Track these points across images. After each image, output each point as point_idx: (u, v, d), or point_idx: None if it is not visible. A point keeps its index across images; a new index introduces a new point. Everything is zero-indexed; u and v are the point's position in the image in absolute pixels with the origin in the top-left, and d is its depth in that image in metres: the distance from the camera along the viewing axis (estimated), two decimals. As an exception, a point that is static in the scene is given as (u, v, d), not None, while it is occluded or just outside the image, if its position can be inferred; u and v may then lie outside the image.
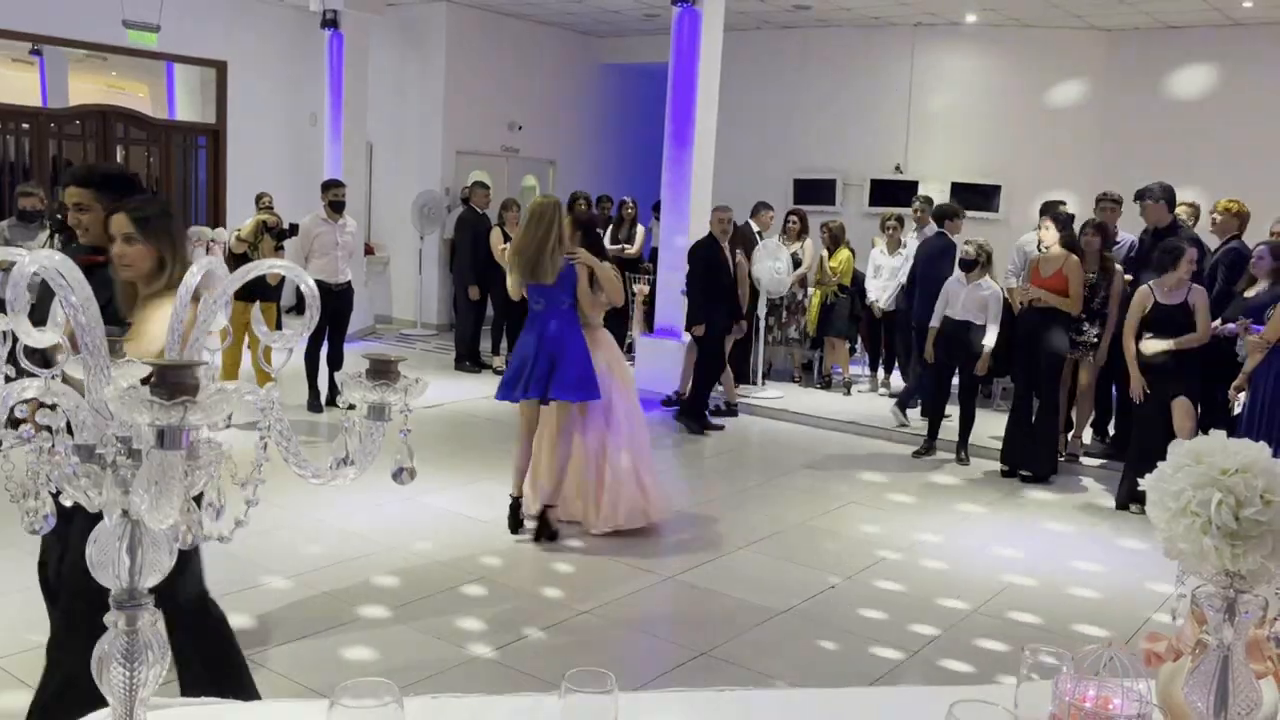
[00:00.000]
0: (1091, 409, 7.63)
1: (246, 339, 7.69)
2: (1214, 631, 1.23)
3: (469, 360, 10.50)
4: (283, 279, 7.18)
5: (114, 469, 1.04)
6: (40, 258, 1.01)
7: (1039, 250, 7.22)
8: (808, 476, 7.10)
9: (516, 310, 10.37)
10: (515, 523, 5.56)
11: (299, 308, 8.30)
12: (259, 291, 7.48)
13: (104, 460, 1.04)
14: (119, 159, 11.70)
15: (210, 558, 4.79)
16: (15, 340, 1.06)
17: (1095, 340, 7.21)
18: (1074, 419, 7.72)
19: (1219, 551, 1.18)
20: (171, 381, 0.95)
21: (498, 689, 1.91)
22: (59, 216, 10.04)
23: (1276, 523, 1.18)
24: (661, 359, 9.23)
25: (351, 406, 1.28)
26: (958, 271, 7.48)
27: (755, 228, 9.68)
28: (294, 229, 8.29)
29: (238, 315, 7.20)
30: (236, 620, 4.29)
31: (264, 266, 1.19)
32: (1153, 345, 6.23)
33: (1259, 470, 1.19)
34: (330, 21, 11.48)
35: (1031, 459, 7.06)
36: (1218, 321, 6.28)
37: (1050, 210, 7.54)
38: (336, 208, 8.27)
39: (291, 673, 3.84)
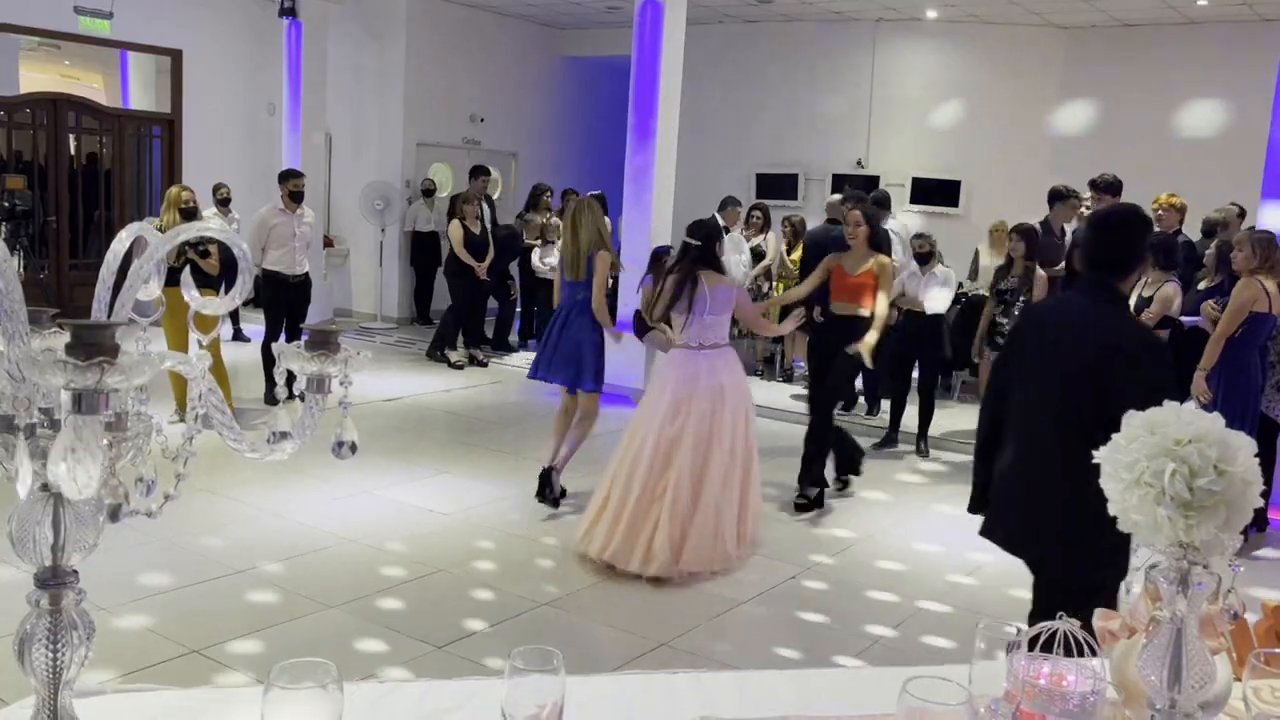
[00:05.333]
0: None
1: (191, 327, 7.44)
2: (1167, 604, 1.23)
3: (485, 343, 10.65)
4: (223, 271, 6.97)
5: (29, 436, 0.99)
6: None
7: (849, 243, 6.25)
8: (769, 469, 7.08)
9: (479, 305, 10.37)
10: (543, 492, 5.84)
11: (255, 301, 8.14)
12: (197, 279, 7.23)
13: (19, 428, 0.99)
14: (71, 148, 11.46)
15: (168, 556, 4.70)
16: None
17: None
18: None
19: (1173, 522, 1.17)
20: (88, 342, 0.90)
21: (449, 678, 1.87)
22: (5, 204, 9.80)
23: (1229, 493, 1.17)
24: (624, 354, 9.19)
25: (292, 392, 1.24)
26: (912, 265, 7.55)
27: (723, 223, 9.69)
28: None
29: (178, 301, 6.94)
30: (190, 615, 4.21)
31: (195, 229, 1.14)
32: None
33: (1212, 440, 1.18)
34: (288, 10, 11.30)
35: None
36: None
37: (856, 197, 6.56)
38: (295, 198, 8.14)
39: (248, 667, 3.77)
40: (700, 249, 5.17)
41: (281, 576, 4.68)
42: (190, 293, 1.17)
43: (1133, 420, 1.24)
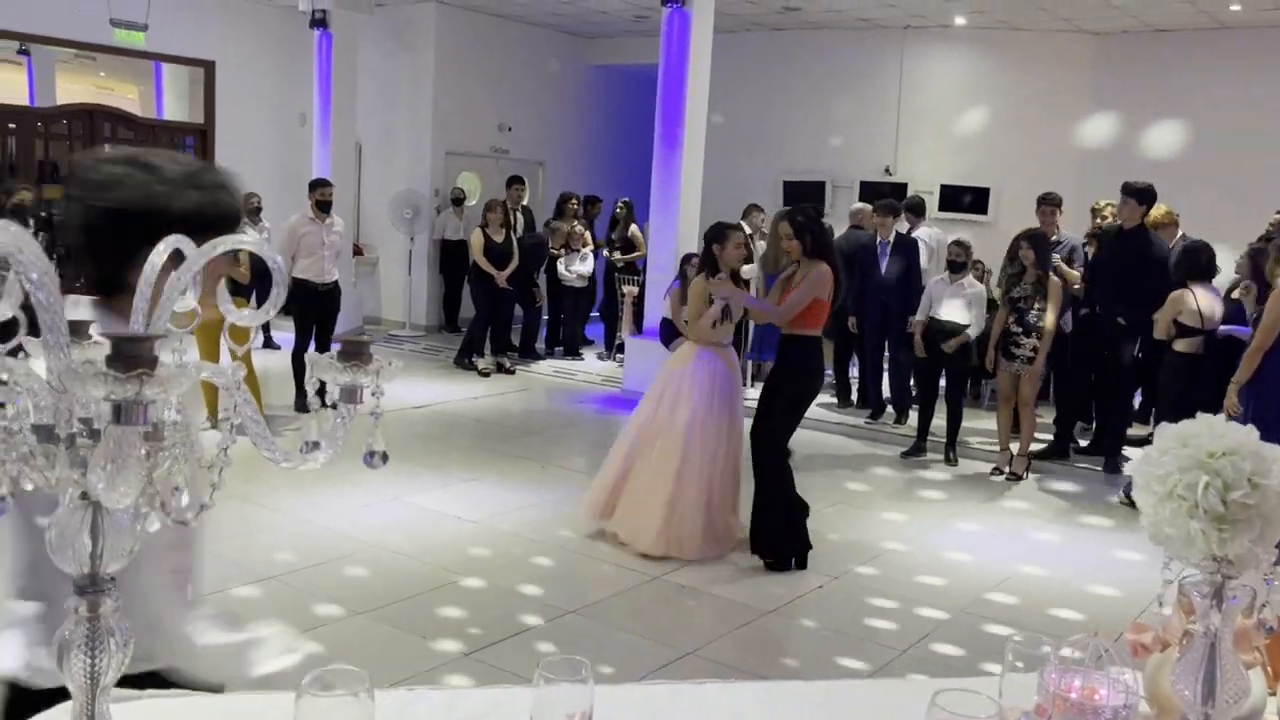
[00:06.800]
0: (1034, 423, 7.31)
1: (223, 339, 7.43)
2: (1201, 618, 1.21)
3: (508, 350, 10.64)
4: (254, 280, 7.04)
5: (70, 447, 1.01)
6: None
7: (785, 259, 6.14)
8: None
9: (504, 313, 10.42)
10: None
11: (285, 309, 8.21)
12: (229, 288, 7.29)
13: (59, 438, 1.01)
14: (106, 159, 11.63)
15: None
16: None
17: (1032, 354, 6.94)
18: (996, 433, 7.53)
19: (1206, 536, 1.16)
20: (128, 354, 0.92)
21: (476, 685, 1.88)
22: (43, 214, 9.97)
23: (1264, 506, 1.16)
24: (650, 359, 9.19)
25: (331, 405, 1.25)
26: (943, 272, 7.50)
27: (748, 230, 9.68)
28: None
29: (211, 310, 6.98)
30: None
31: (230, 243, 1.16)
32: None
33: (1246, 453, 1.17)
34: (319, 21, 11.43)
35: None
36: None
37: (800, 212, 5.79)
38: (323, 207, 8.22)
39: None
40: (701, 254, 5.64)
41: (309, 583, 4.71)
42: (226, 305, 1.19)
43: (1165, 432, 1.23)
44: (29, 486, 1.11)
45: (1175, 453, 1.19)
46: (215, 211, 1.58)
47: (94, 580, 1.13)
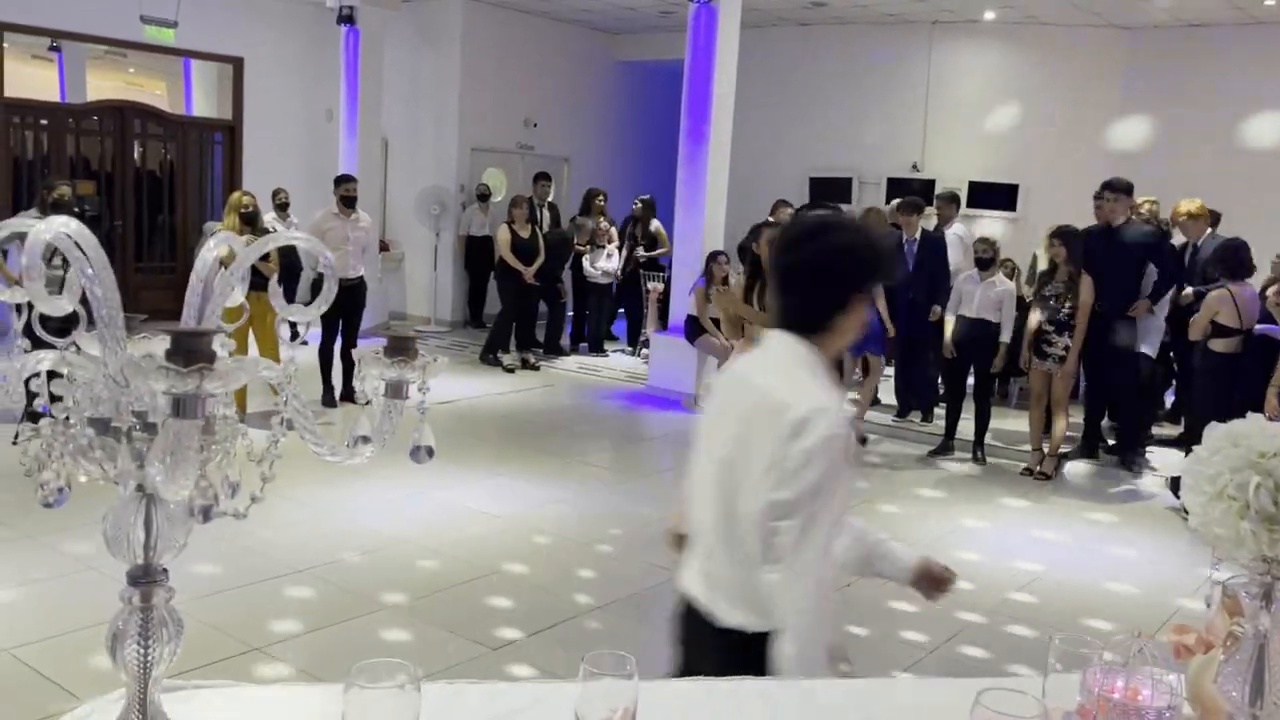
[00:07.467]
0: (1066, 423, 7.16)
1: (251, 332, 7.43)
2: (1250, 619, 1.20)
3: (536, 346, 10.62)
4: (282, 275, 7.08)
5: (129, 440, 1.02)
6: (55, 225, 1.00)
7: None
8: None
9: (531, 309, 10.46)
10: None
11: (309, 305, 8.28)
12: (255, 283, 7.28)
13: (119, 433, 1.02)
14: (136, 155, 11.74)
15: (228, 554, 4.79)
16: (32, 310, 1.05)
17: (1064, 353, 6.83)
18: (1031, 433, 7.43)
19: (1256, 536, 1.15)
20: (188, 349, 0.93)
21: (507, 680, 1.89)
22: (76, 210, 10.11)
23: (1317, 507, 1.15)
24: (675, 356, 9.20)
25: (368, 402, 1.27)
26: (972, 270, 7.43)
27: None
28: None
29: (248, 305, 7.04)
30: (253, 615, 4.29)
31: (282, 239, 1.17)
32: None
33: (1299, 453, 1.16)
34: (346, 17, 11.49)
35: None
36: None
37: (809, 206, 6.33)
38: (349, 203, 8.27)
39: (309, 666, 3.84)
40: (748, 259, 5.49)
41: (340, 578, 4.75)
42: (277, 301, 1.20)
43: (1215, 432, 1.22)
44: (83, 479, 1.13)
45: (1226, 452, 1.18)
46: (890, 259, 2.04)
47: (147, 571, 1.15)
